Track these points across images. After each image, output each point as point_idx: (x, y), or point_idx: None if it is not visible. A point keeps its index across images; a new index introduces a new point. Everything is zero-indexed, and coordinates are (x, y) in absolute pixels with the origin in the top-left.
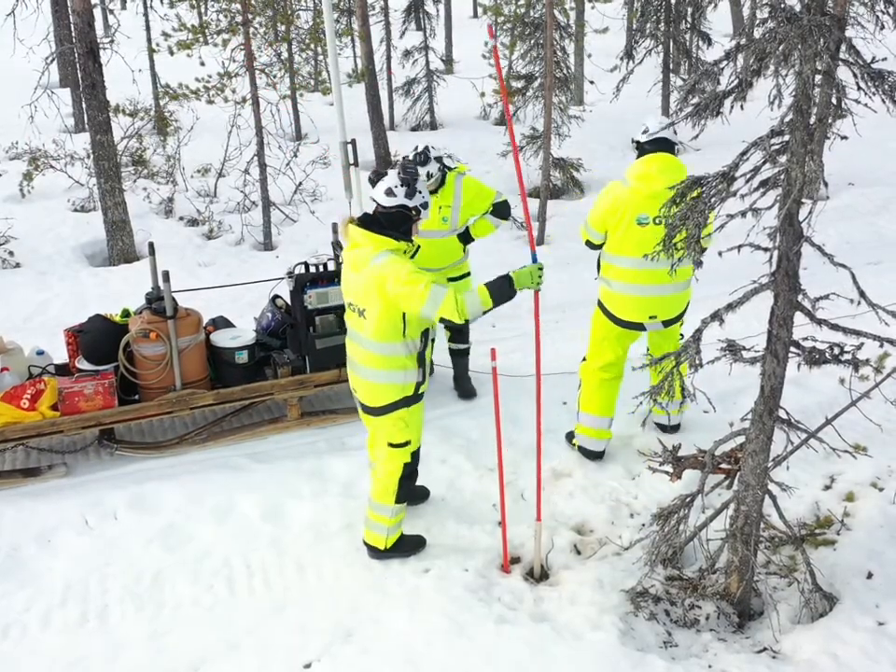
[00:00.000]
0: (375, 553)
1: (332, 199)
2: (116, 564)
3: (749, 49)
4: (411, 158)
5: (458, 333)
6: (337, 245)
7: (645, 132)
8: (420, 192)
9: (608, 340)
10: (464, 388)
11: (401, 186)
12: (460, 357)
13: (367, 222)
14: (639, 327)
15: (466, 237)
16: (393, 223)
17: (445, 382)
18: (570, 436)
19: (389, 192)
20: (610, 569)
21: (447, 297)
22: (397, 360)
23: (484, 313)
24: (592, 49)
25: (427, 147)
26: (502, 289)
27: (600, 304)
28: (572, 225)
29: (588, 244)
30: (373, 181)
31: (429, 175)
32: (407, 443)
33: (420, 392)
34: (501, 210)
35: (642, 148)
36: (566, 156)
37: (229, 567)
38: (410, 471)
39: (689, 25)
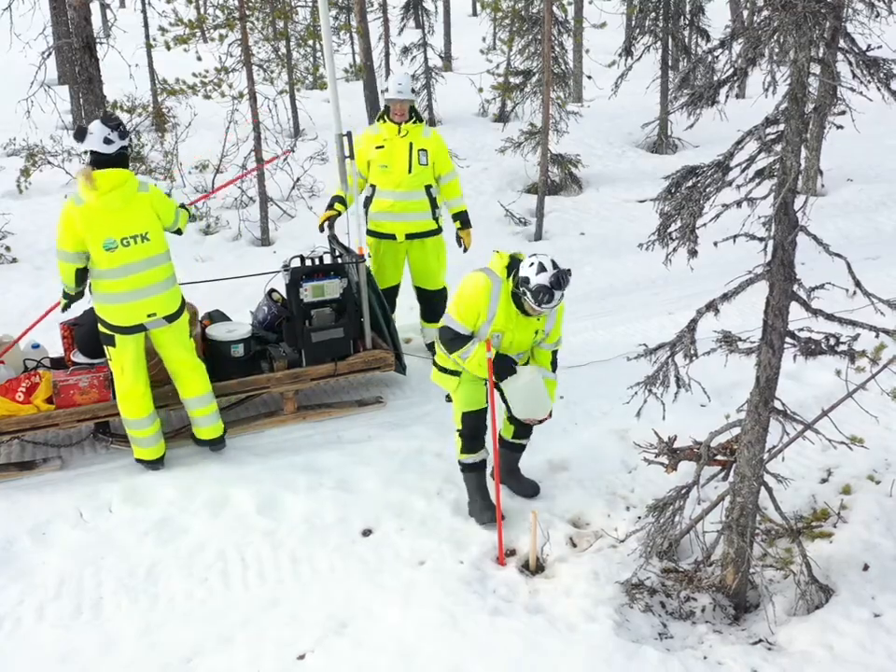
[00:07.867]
0: (218, 442)
1: (330, 194)
2: (110, 557)
3: (744, 35)
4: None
5: (522, 427)
6: (333, 240)
7: None
8: None
9: None
10: (524, 483)
11: (114, 131)
12: (515, 452)
13: (114, 164)
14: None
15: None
16: (126, 160)
17: None
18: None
19: (123, 134)
20: (606, 562)
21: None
22: (171, 264)
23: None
24: (590, 45)
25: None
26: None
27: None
28: (570, 220)
29: None
30: (80, 135)
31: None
32: None
33: None
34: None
35: None
36: (564, 152)
37: (223, 560)
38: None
39: (687, 22)
